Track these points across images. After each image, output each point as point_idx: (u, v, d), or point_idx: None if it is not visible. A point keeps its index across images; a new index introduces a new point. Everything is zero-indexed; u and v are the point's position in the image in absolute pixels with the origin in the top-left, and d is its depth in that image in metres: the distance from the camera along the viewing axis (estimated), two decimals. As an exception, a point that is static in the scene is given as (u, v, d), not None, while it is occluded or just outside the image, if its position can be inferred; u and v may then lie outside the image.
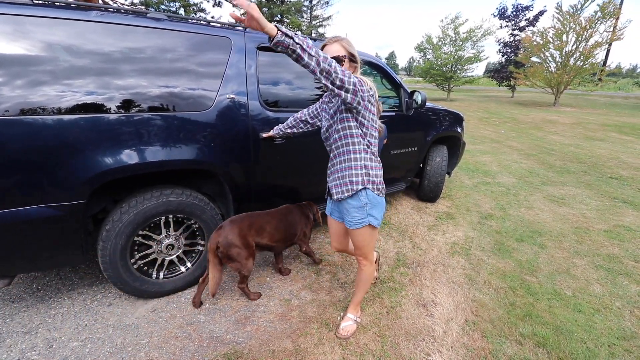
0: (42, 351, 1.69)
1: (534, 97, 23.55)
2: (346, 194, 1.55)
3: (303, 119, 1.94)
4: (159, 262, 2.06)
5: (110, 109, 1.66)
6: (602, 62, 18.15)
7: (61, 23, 1.55)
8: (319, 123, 1.89)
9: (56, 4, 1.62)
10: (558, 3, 15.68)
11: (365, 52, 3.04)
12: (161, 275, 2.08)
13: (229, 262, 1.93)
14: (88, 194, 1.65)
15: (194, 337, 1.82)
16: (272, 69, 2.30)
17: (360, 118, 1.47)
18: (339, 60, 1.48)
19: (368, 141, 1.53)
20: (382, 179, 1.59)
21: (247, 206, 2.31)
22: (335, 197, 1.62)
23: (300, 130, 1.98)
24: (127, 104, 1.70)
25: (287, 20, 20.65)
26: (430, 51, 20.26)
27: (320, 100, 1.86)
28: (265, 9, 19.77)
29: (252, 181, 2.25)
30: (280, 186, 2.51)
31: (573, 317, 2.14)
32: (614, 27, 14.85)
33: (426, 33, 20.00)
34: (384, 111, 3.34)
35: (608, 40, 14.62)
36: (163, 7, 17.22)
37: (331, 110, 1.57)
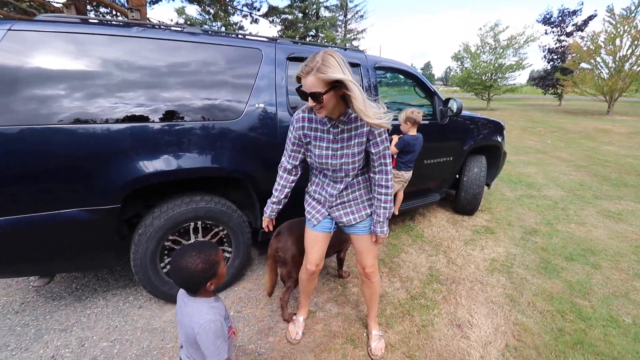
0: (75, 349, 1.76)
1: (584, 105, 21.89)
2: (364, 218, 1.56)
3: (293, 174, 1.61)
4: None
5: (147, 118, 1.75)
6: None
7: (105, 38, 1.67)
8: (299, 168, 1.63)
9: (101, 20, 1.76)
10: (609, 6, 14.61)
11: (398, 61, 2.98)
12: (189, 280, 2.11)
13: (282, 267, 1.94)
14: (122, 198, 1.72)
15: (217, 344, 1.81)
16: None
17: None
18: (316, 97, 1.18)
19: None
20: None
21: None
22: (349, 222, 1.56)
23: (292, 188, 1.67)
24: (164, 114, 1.78)
25: (322, 35, 21.06)
26: (468, 60, 19.60)
27: (292, 142, 1.52)
28: (300, 25, 20.33)
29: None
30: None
31: (633, 347, 1.87)
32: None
33: (463, 42, 19.43)
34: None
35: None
36: (206, 26, 18.39)
37: (351, 150, 1.38)
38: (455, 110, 2.97)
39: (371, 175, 1.45)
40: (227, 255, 2.21)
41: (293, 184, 1.63)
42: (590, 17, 18.56)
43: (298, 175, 1.63)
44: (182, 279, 1.06)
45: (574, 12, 19.10)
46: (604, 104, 16.31)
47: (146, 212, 1.95)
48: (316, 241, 1.69)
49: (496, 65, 18.15)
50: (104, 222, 1.72)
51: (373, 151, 1.37)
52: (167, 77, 1.81)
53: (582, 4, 18.99)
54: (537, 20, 20.60)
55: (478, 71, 18.54)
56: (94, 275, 2.46)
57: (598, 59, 15.25)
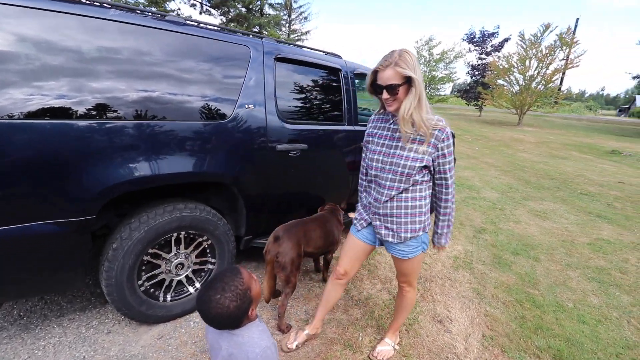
0: (35, 391, 1.47)
1: (498, 116, 25.14)
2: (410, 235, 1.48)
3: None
4: (166, 283, 1.89)
5: (126, 115, 1.53)
6: (558, 87, 19.83)
7: (71, 19, 1.42)
8: None
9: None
10: (520, 32, 17.08)
11: (363, 65, 3.07)
12: (168, 297, 1.91)
13: (281, 272, 1.87)
14: (98, 209, 1.49)
15: (211, 365, 1.66)
16: (289, 80, 2.26)
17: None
18: (392, 89, 1.27)
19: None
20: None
21: (258, 219, 2.21)
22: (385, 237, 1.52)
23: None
24: (144, 110, 1.58)
25: (266, 33, 20.75)
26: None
27: (364, 145, 1.60)
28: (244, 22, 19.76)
29: (266, 193, 2.16)
30: (294, 198, 2.44)
31: (579, 328, 2.21)
32: (568, 56, 16.37)
33: (401, 53, 20.84)
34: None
35: (567, 67, 16.02)
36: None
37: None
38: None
39: (433, 185, 1.48)
40: (211, 266, 2.05)
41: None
42: (506, 40, 21.43)
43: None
44: (220, 325, 0.95)
45: (492, 34, 21.86)
46: (515, 116, 18.98)
47: (118, 224, 1.71)
48: (352, 248, 1.66)
49: (429, 76, 19.94)
50: (75, 237, 1.46)
51: (434, 163, 1.37)
52: (150, 70, 1.61)
53: (499, 27, 21.83)
54: (462, 39, 23.12)
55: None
56: (40, 299, 2.07)
57: (512, 77, 17.69)
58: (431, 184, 1.48)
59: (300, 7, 23.14)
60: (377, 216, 1.51)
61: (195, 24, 1.91)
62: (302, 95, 2.37)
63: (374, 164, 1.45)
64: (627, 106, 55.74)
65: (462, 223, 3.98)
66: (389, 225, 1.48)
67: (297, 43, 2.41)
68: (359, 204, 1.68)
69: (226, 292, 0.92)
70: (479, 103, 22.35)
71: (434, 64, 19.53)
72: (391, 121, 1.43)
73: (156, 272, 1.83)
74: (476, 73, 22.33)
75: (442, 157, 1.36)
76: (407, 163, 1.35)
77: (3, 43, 1.24)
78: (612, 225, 4.25)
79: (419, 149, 1.34)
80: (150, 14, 1.76)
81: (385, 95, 1.30)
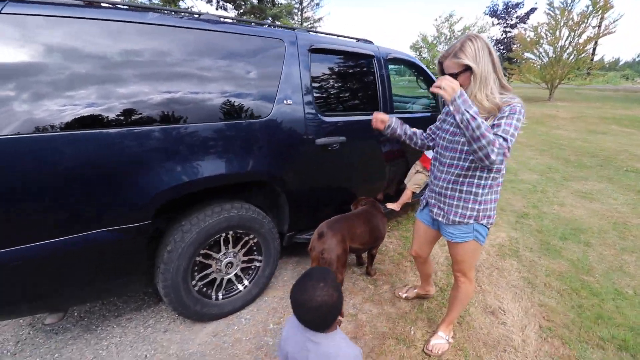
0: (107, 388, 1.54)
1: (527, 92, 23.79)
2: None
3: (421, 137, 1.72)
4: (217, 282, 1.93)
5: (176, 119, 1.54)
6: (591, 57, 18.48)
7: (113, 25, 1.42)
8: (429, 144, 1.72)
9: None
10: (549, 0, 15.93)
11: (405, 53, 2.95)
12: (220, 295, 1.95)
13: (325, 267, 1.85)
14: (153, 213, 1.51)
15: (268, 362, 1.69)
16: (324, 71, 2.19)
17: None
18: (453, 77, 1.29)
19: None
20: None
21: (301, 215, 2.20)
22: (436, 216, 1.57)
23: (411, 142, 1.74)
24: (190, 114, 1.58)
25: (279, 23, 20.57)
26: (425, 50, 20.38)
27: (435, 125, 1.67)
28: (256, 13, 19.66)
29: (307, 188, 2.14)
30: (334, 192, 2.41)
31: (641, 316, 2.07)
32: (601, 21, 15.15)
33: (421, 32, 20.18)
34: (417, 112, 3.27)
35: (600, 35, 14.86)
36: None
37: None
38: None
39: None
40: (257, 264, 2.07)
41: (416, 141, 1.72)
42: (532, 10, 20.16)
43: (419, 143, 1.72)
44: (320, 317, 0.93)
45: (517, 5, 20.60)
46: (545, 91, 17.88)
47: (169, 227, 1.74)
48: (417, 230, 1.80)
49: (452, 56, 19.09)
50: (133, 242, 1.50)
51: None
52: (193, 72, 1.60)
53: (524, -4, 20.55)
54: (484, 13, 21.95)
55: (436, 61, 19.39)
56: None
57: (540, 49, 16.61)
58: (497, 175, 1.40)
59: (311, -7, 22.71)
60: (433, 194, 1.56)
61: (230, 20, 1.87)
62: (337, 86, 2.31)
63: (440, 141, 1.52)
64: (670, 72, 51.30)
65: (503, 208, 3.81)
66: (441, 205, 1.52)
67: (329, 32, 2.33)
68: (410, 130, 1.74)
69: (328, 282, 0.93)
70: (506, 79, 21.25)
71: (456, 41, 18.72)
72: None
73: (208, 271, 1.87)
74: (501, 48, 21.17)
75: (497, 126, 1.25)
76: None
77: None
78: (668, 203, 3.94)
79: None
80: (186, 14, 1.74)
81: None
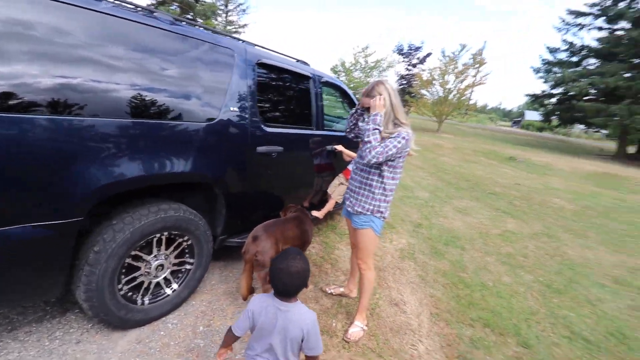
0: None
1: (421, 123, 27.93)
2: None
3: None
4: (144, 285, 1.85)
5: (123, 113, 1.49)
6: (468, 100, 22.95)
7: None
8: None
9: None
10: (442, 49, 19.34)
11: (330, 75, 3.32)
12: (146, 300, 1.87)
13: (258, 269, 1.95)
14: (87, 210, 1.42)
15: (201, 362, 1.71)
16: (268, 85, 2.36)
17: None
18: (366, 109, 1.88)
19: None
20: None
21: (236, 219, 2.27)
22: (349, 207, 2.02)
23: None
24: (141, 109, 1.55)
25: (201, 21, 19.61)
26: (343, 74, 22.16)
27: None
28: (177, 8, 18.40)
29: (245, 193, 2.24)
30: (269, 198, 2.54)
31: (498, 302, 2.78)
32: (477, 73, 19.14)
33: (341, 57, 21.91)
34: (341, 130, 3.68)
35: (475, 84, 18.65)
36: None
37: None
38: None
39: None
40: (189, 267, 2.05)
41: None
42: (428, 54, 24.08)
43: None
44: (298, 282, 1.20)
45: (418, 48, 24.23)
46: (435, 124, 21.39)
47: (98, 226, 1.63)
48: (347, 223, 2.21)
49: (365, 82, 21.24)
50: (62, 241, 1.38)
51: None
52: (152, 67, 1.59)
53: (423, 42, 24.42)
54: (393, 50, 25.15)
55: (352, 86, 21.29)
56: (-20, 313, 1.81)
57: (433, 88, 19.89)
58: (390, 182, 1.86)
59: (237, -3, 22.43)
60: (350, 191, 2.03)
61: (185, 22, 1.90)
62: (278, 100, 2.50)
63: (359, 152, 1.95)
64: (519, 119, 67.10)
65: (403, 219, 4.50)
66: (352, 200, 1.99)
67: (273, 49, 2.51)
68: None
69: (302, 256, 1.26)
70: (406, 110, 24.59)
71: (369, 70, 20.96)
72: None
73: (135, 274, 1.78)
74: (404, 82, 24.48)
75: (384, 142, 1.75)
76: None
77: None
78: (515, 219, 5.25)
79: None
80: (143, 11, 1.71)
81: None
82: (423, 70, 21.42)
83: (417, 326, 2.31)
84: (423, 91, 20.86)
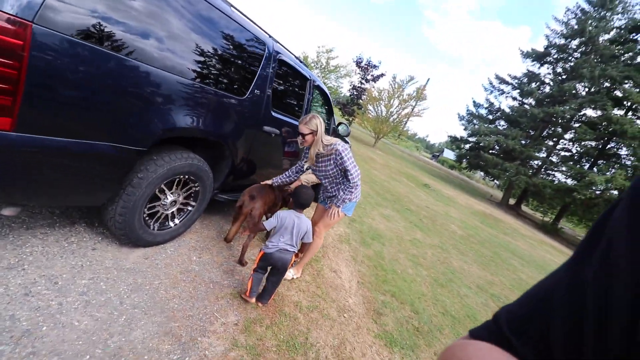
0: (49, 286, 1.66)
1: (361, 135, 30.11)
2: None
3: (295, 172, 2.72)
4: (158, 215, 2.23)
5: (196, 77, 1.92)
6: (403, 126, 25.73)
7: None
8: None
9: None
10: (394, 75, 21.32)
11: (322, 83, 3.95)
12: (156, 227, 2.25)
13: (251, 221, 2.42)
14: (150, 144, 1.81)
15: (199, 281, 2.18)
16: (280, 80, 2.88)
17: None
18: (305, 135, 2.32)
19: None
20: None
21: (232, 181, 2.75)
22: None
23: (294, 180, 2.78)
24: (208, 77, 1.98)
25: None
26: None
27: (299, 164, 2.69)
28: None
29: (246, 161, 2.74)
30: (259, 170, 3.06)
31: (402, 284, 3.76)
32: (416, 105, 21.66)
33: (304, 52, 22.32)
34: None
35: (413, 114, 21.07)
36: None
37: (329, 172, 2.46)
38: (342, 134, 4.27)
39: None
40: (190, 208, 2.47)
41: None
42: (382, 75, 26.05)
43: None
44: (310, 199, 2.11)
45: (374, 66, 26.10)
46: (372, 139, 23.40)
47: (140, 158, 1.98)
48: (317, 209, 2.91)
49: (322, 81, 22.14)
50: (125, 162, 1.74)
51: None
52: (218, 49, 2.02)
53: (380, 62, 26.35)
54: (352, 60, 26.58)
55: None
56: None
57: (378, 107, 21.80)
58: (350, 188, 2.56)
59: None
60: (328, 194, 2.68)
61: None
62: (283, 92, 3.03)
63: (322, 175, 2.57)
64: (438, 154, 76.71)
65: (341, 213, 5.35)
66: (331, 198, 2.65)
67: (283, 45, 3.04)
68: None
69: (310, 187, 2.14)
70: (350, 119, 26.29)
71: (328, 73, 21.91)
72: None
73: (155, 203, 2.16)
74: (355, 93, 26.11)
75: (347, 170, 2.40)
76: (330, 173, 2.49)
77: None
78: (422, 232, 6.58)
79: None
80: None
81: (300, 139, 2.39)
82: (374, 87, 23.25)
83: (348, 288, 3.10)
84: (370, 107, 22.70)
